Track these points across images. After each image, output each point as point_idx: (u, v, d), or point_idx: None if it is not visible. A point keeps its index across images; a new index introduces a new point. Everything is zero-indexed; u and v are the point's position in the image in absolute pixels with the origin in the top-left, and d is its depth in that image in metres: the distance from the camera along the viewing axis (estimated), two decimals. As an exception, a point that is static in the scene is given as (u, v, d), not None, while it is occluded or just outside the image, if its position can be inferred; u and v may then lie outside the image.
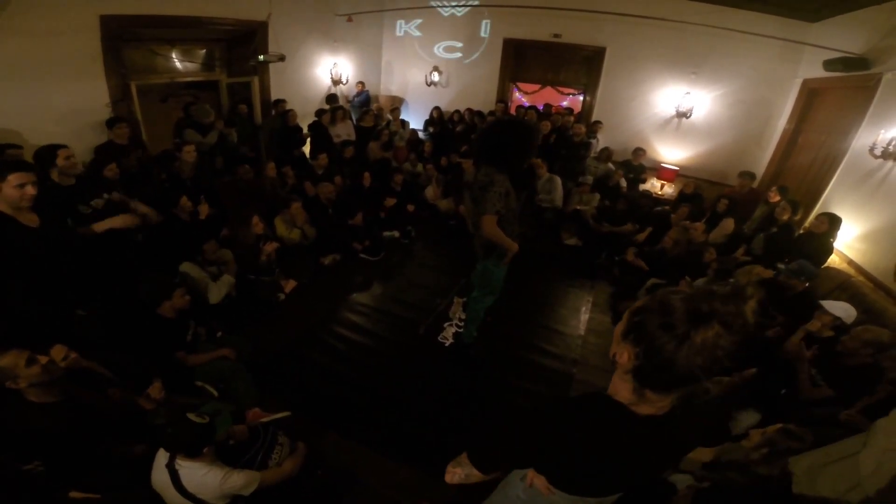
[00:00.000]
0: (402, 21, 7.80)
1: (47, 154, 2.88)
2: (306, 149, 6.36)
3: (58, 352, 1.87)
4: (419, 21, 7.70)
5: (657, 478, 1.33)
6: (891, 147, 3.69)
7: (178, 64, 5.41)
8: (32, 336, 1.87)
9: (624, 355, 0.94)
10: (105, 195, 3.15)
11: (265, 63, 5.87)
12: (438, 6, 7.06)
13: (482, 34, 7.36)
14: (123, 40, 4.43)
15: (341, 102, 7.22)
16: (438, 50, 7.83)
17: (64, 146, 2.93)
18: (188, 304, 2.75)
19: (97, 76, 4.18)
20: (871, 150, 3.90)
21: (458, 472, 1.24)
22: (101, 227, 2.52)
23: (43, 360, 1.69)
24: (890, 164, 3.76)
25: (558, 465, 1.10)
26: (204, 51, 5.69)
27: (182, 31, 5.11)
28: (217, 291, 3.37)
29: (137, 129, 4.65)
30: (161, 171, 4.21)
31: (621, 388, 1.00)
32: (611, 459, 1.03)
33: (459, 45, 7.64)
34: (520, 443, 1.11)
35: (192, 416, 1.68)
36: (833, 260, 4.10)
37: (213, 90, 6.09)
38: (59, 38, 3.82)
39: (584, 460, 1.04)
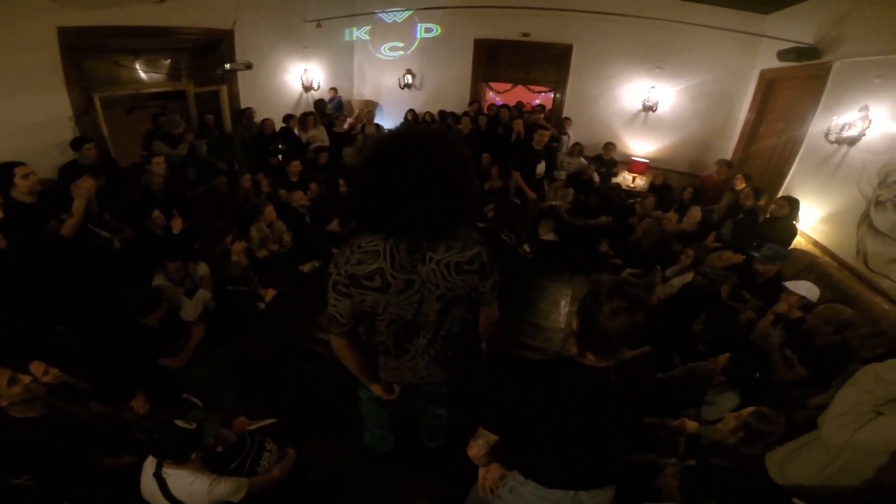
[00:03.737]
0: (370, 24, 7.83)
1: (3, 173, 2.75)
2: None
3: (37, 368, 1.84)
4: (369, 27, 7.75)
5: (618, 452, 1.45)
6: (843, 132, 3.87)
7: (142, 74, 5.29)
8: (10, 353, 1.83)
9: (574, 324, 1.29)
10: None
11: (233, 71, 5.80)
12: (406, 9, 7.09)
13: (450, 35, 7.43)
14: (84, 52, 4.31)
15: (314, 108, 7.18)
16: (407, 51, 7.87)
17: (20, 164, 2.81)
18: (167, 312, 2.72)
19: (58, 89, 4.06)
20: (826, 135, 4.09)
21: (479, 442, 1.41)
22: (69, 225, 2.49)
23: (25, 379, 1.67)
24: (844, 148, 3.94)
25: (525, 423, 1.32)
26: (169, 60, 5.57)
27: (145, 41, 5.00)
28: (192, 309, 3.31)
29: (104, 143, 4.53)
30: (131, 185, 4.11)
31: (571, 350, 1.31)
32: (567, 410, 1.28)
33: (429, 45, 7.70)
34: (500, 398, 1.36)
35: (179, 423, 1.68)
36: (799, 242, 4.26)
37: (181, 100, 5.97)
38: (14, 51, 3.69)
39: (545, 413, 1.29)
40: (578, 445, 1.33)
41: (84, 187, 2.64)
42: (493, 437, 1.39)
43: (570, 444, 1.33)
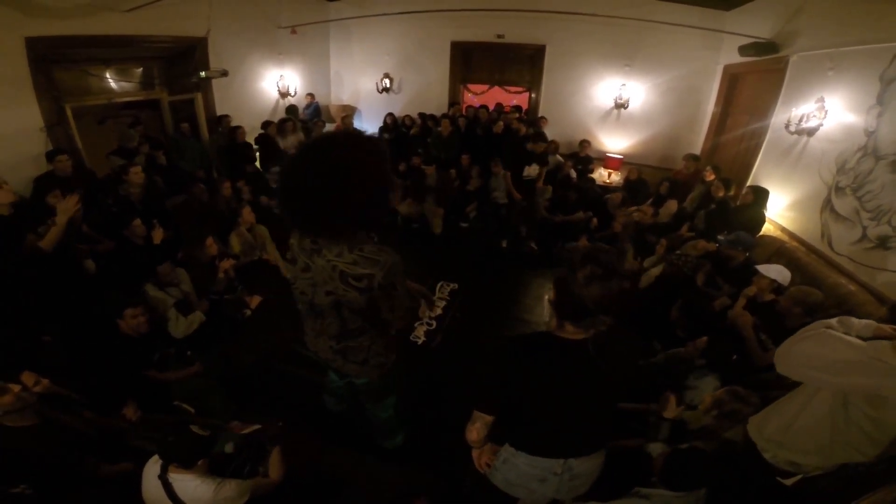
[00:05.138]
0: (346, 30, 7.83)
1: None
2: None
3: (28, 378, 1.83)
4: (363, 28, 7.74)
5: (603, 421, 1.51)
6: (803, 123, 4.07)
7: (114, 84, 5.20)
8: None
9: (552, 293, 1.33)
10: (49, 221, 3.02)
11: (208, 79, 5.75)
12: (381, 14, 7.12)
13: (427, 38, 7.50)
14: (53, 62, 4.23)
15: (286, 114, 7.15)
16: (385, 56, 7.91)
17: None
18: (144, 325, 2.70)
19: (28, 100, 3.99)
20: (787, 126, 4.27)
21: (476, 426, 1.46)
22: (49, 238, 2.47)
23: (15, 388, 1.66)
24: (804, 138, 4.13)
25: (513, 398, 1.38)
26: (141, 69, 5.50)
27: (116, 50, 4.93)
28: (185, 327, 3.28)
29: (78, 154, 4.44)
30: (108, 196, 4.05)
31: (551, 323, 1.36)
32: (549, 382, 1.33)
33: (406, 49, 7.76)
34: (488, 378, 1.41)
35: (195, 429, 1.70)
36: (767, 228, 4.41)
37: (154, 109, 5.89)
38: (-19, 63, 3.62)
39: (528, 386, 1.35)
40: (564, 416, 1.39)
41: (69, 205, 2.61)
42: (488, 418, 1.45)
43: (556, 414, 1.39)
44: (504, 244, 5.41)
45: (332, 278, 1.49)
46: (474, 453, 1.66)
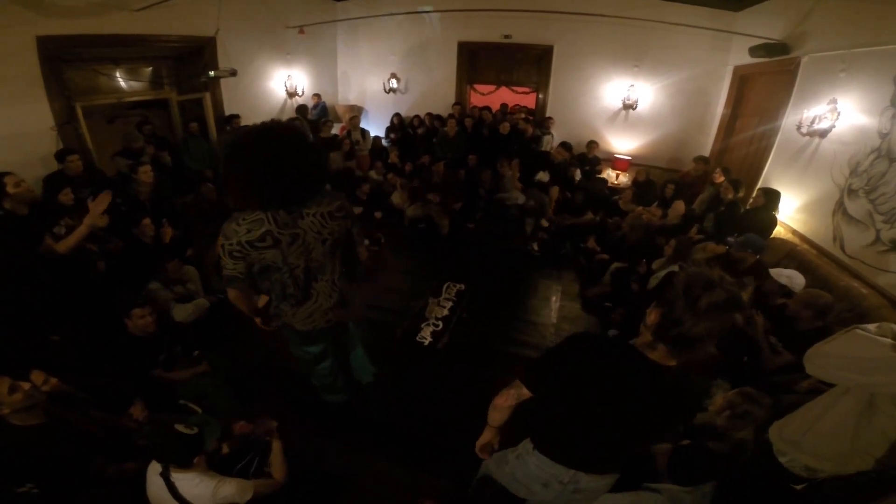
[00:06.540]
0: (353, 30, 7.84)
1: None
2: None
3: (37, 376, 1.84)
4: (370, 28, 7.75)
5: (631, 448, 1.47)
6: (814, 125, 4.03)
7: (124, 83, 5.24)
8: (8, 364, 1.83)
9: (652, 315, 1.18)
10: (62, 223, 3.05)
11: (216, 79, 5.77)
12: (389, 14, 7.13)
13: (434, 39, 7.49)
14: (64, 61, 4.26)
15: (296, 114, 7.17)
16: (391, 56, 7.91)
17: (8, 173, 2.83)
18: (152, 324, 2.70)
19: (39, 99, 4.01)
20: (799, 128, 4.23)
21: (511, 392, 1.46)
22: (68, 243, 2.49)
23: (25, 386, 1.67)
24: (816, 140, 4.09)
25: (560, 389, 1.32)
26: (151, 69, 5.53)
27: (126, 49, 4.96)
28: (184, 312, 3.30)
29: (88, 153, 4.47)
30: (117, 195, 4.07)
31: (641, 340, 1.25)
32: (607, 392, 1.25)
33: (411, 49, 7.76)
34: (549, 356, 1.35)
35: (180, 427, 1.69)
36: (779, 231, 4.38)
37: (163, 108, 5.92)
38: (-8, 61, 3.65)
39: (581, 382, 1.27)
40: (599, 430, 1.32)
41: (98, 211, 2.62)
42: (525, 392, 1.41)
43: (592, 426, 1.32)
44: (536, 247, 5.43)
45: (323, 224, 1.83)
46: (483, 438, 1.61)
